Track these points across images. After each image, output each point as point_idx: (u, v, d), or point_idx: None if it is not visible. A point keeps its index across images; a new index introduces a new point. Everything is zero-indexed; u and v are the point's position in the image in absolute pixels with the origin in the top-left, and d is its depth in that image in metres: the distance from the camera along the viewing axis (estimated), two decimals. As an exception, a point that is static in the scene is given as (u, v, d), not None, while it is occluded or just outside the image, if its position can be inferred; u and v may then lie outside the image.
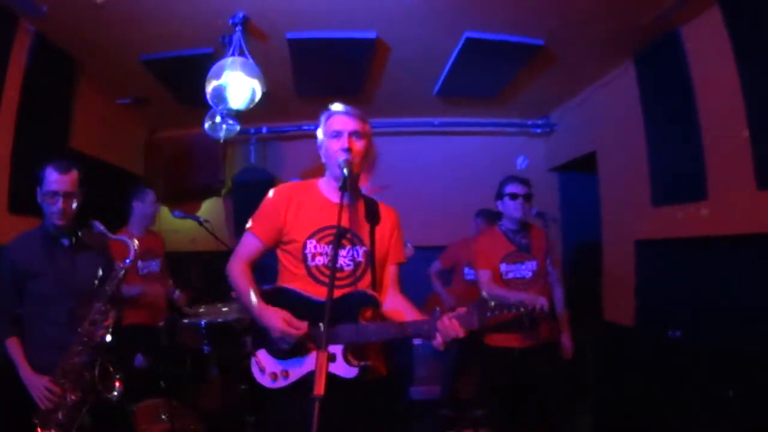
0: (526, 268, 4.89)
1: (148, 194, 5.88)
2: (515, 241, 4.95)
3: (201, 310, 5.71)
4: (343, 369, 2.99)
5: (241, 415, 5.53)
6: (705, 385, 4.68)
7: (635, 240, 6.06)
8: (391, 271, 3.43)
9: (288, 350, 3.00)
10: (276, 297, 3.15)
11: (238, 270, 3.24)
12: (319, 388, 2.14)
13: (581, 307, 5.26)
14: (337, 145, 3.16)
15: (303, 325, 2.93)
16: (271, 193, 3.35)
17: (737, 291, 4.54)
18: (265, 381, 3.11)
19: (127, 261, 3.81)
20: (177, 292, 5.98)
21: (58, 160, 3.80)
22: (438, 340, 2.91)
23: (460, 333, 2.88)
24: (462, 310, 3.03)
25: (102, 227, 3.72)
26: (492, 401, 5.21)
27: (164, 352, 5.33)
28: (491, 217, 5.61)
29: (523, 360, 4.75)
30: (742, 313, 4.44)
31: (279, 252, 3.31)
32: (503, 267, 4.90)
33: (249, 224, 3.32)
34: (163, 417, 4.74)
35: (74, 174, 3.77)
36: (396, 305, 3.32)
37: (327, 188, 3.35)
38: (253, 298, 3.12)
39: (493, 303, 3.05)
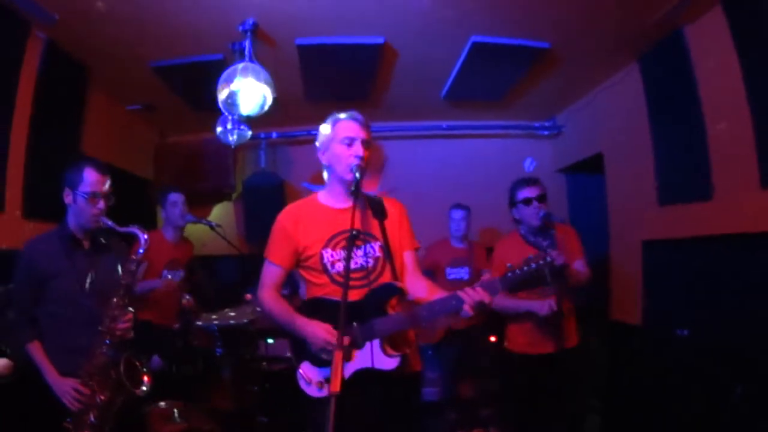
0: None
1: (168, 197, 5.99)
2: (536, 243, 4.72)
3: (213, 316, 5.74)
4: (383, 361, 3.09)
5: (254, 415, 5.59)
6: (712, 383, 4.69)
7: (642, 239, 6.07)
8: (407, 258, 3.51)
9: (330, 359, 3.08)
10: (308, 309, 3.28)
11: (268, 297, 3.40)
12: (335, 386, 2.19)
13: (588, 306, 5.27)
14: (350, 152, 3.25)
15: (344, 337, 3.00)
16: (277, 220, 3.44)
17: (744, 289, 4.56)
18: (312, 391, 3.20)
19: (140, 251, 3.80)
20: (186, 297, 6.03)
21: (94, 161, 3.85)
22: (466, 308, 2.98)
23: (486, 297, 2.98)
24: (485, 277, 3.11)
25: (109, 222, 3.71)
26: (509, 405, 5.17)
27: (179, 354, 5.39)
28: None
29: (549, 366, 4.63)
30: (749, 311, 4.46)
31: (301, 271, 3.44)
32: None
33: (265, 254, 3.44)
34: (177, 418, 4.78)
35: (109, 176, 3.82)
36: (422, 291, 3.40)
37: (329, 197, 3.46)
38: (292, 317, 3.25)
39: (510, 264, 3.09)
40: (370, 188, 8.25)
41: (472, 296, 2.98)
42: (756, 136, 4.33)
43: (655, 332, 5.67)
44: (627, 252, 6.38)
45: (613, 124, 6.81)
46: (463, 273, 6.86)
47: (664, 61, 5.48)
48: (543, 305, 4.49)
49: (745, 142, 4.39)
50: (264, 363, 5.82)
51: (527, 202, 4.71)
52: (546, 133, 8.61)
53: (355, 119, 3.33)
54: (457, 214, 6.98)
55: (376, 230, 3.33)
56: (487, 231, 7.95)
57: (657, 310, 5.78)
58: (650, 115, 5.82)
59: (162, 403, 4.81)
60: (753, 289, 4.46)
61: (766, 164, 4.24)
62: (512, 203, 4.87)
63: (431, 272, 7.00)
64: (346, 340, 2.97)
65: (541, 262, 3.03)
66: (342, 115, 3.36)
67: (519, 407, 4.97)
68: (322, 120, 3.43)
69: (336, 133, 3.31)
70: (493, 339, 6.96)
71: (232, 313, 5.71)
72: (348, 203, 3.35)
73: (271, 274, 3.42)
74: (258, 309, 5.54)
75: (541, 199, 4.72)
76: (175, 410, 4.80)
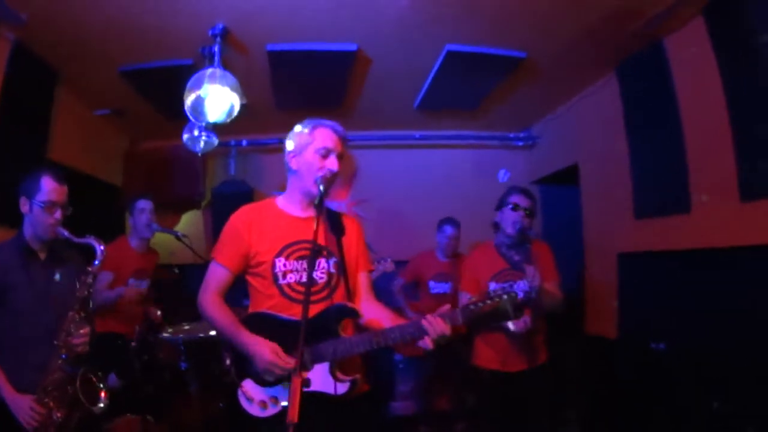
0: (517, 288, 4.42)
1: (136, 204, 5.86)
2: (508, 257, 4.61)
3: (186, 326, 5.63)
4: (332, 386, 2.94)
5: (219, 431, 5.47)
6: (689, 396, 4.69)
7: (618, 253, 6.05)
8: (362, 280, 3.40)
9: (274, 381, 2.95)
10: (251, 324, 3.08)
11: (211, 302, 3.17)
12: (293, 415, 2.08)
13: (563, 319, 5.22)
14: (324, 164, 3.14)
15: (291, 360, 2.83)
16: (229, 220, 3.28)
17: (720, 303, 4.54)
18: (254, 411, 3.04)
19: (96, 263, 3.67)
20: (157, 312, 5.90)
21: (51, 169, 3.73)
22: (426, 340, 2.86)
23: (447, 329, 2.84)
24: (445, 307, 2.98)
25: (65, 232, 3.60)
26: (483, 419, 5.09)
27: (139, 371, 5.26)
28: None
29: (517, 384, 4.54)
30: (725, 325, 4.44)
31: (249, 277, 3.26)
32: (492, 286, 4.54)
33: (213, 254, 3.26)
34: (139, 434, 4.68)
35: (66, 185, 3.71)
36: (375, 314, 3.26)
37: (288, 204, 3.32)
38: (237, 331, 3.05)
39: (474, 297, 2.99)
40: (341, 198, 8.22)
41: (435, 327, 2.84)
42: (735, 148, 4.31)
43: (631, 346, 5.63)
44: (602, 265, 6.36)
45: (589, 135, 6.80)
46: (446, 288, 6.77)
47: (643, 72, 5.47)
48: (518, 320, 4.40)
49: (724, 154, 4.36)
50: (229, 377, 5.71)
51: (515, 207, 4.58)
52: (521, 143, 8.60)
53: (335, 130, 3.21)
54: (449, 230, 6.84)
55: (333, 245, 3.24)
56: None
57: (632, 323, 5.77)
58: (627, 126, 5.80)
59: (125, 419, 4.69)
60: (730, 303, 4.45)
61: (746, 177, 4.22)
62: (500, 205, 4.74)
63: (414, 284, 6.99)
64: (294, 361, 2.82)
65: (504, 297, 2.93)
66: (322, 122, 3.24)
67: (493, 422, 4.88)
68: (293, 128, 3.30)
69: (313, 140, 3.17)
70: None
71: (197, 326, 5.58)
72: (308, 213, 3.26)
73: (217, 276, 3.21)
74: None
75: (529, 212, 4.61)
76: (138, 426, 4.69)
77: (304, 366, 2.92)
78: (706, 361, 4.59)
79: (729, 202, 4.37)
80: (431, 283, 6.83)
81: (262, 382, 3.02)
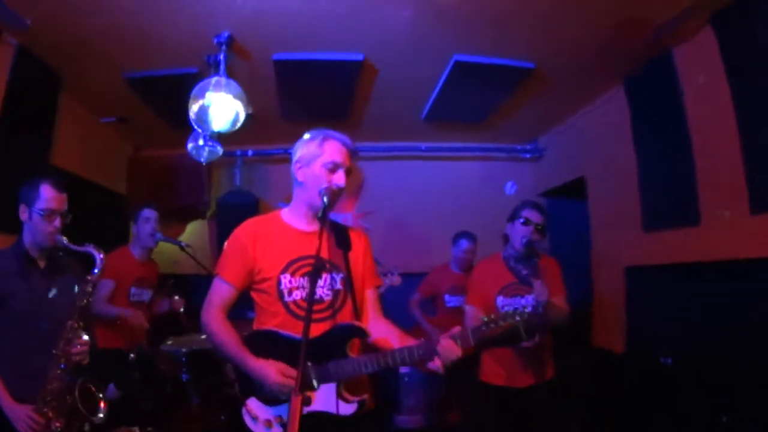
0: (526, 303, 4.40)
1: (141, 213, 5.83)
2: (516, 271, 4.55)
3: (169, 342, 5.58)
4: (339, 407, 2.89)
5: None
6: (697, 410, 4.65)
7: (625, 266, 6.01)
8: (370, 296, 3.33)
9: (286, 399, 2.87)
10: (256, 342, 3.02)
11: (215, 319, 3.09)
12: None
13: (571, 332, 5.17)
14: (330, 178, 3.06)
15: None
16: (233, 234, 3.20)
17: (729, 317, 4.49)
18: (259, 430, 2.98)
19: (95, 271, 3.62)
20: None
21: (50, 177, 3.70)
22: (437, 363, 2.82)
23: (458, 352, 2.82)
24: (456, 329, 2.93)
25: (64, 240, 3.57)
26: None
27: (138, 382, 5.21)
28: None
29: (525, 400, 4.47)
30: (735, 338, 4.40)
31: (253, 293, 3.19)
32: (500, 301, 4.50)
33: (217, 270, 3.18)
34: (138, 446, 4.61)
35: (65, 192, 3.67)
36: (383, 332, 3.20)
37: (293, 217, 3.25)
38: (241, 353, 2.98)
39: (486, 318, 2.95)
40: (347, 210, 8.21)
41: (447, 353, 2.83)
42: (745, 160, 4.27)
43: (639, 360, 5.60)
44: (610, 278, 6.32)
45: (596, 147, 6.77)
46: (462, 301, 6.63)
47: (651, 83, 5.44)
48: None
49: (734, 166, 4.33)
50: (231, 388, 5.66)
51: (526, 222, 4.51)
52: (528, 156, 8.58)
53: (345, 144, 3.13)
54: (465, 244, 6.76)
55: (339, 261, 3.17)
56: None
57: (640, 337, 5.74)
58: (635, 138, 5.77)
59: (124, 431, 4.63)
60: (740, 316, 4.40)
61: (756, 189, 4.19)
62: (512, 217, 4.66)
63: (431, 299, 6.97)
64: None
65: (517, 318, 2.90)
66: (332, 135, 3.15)
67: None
68: (298, 138, 3.24)
69: (322, 153, 3.09)
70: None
71: (199, 338, 5.52)
72: (313, 226, 3.17)
73: (221, 293, 3.12)
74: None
75: (540, 229, 4.54)
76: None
77: (311, 386, 2.88)
78: (714, 375, 4.55)
79: (739, 214, 4.33)
80: (447, 297, 6.77)
81: (267, 401, 2.96)
